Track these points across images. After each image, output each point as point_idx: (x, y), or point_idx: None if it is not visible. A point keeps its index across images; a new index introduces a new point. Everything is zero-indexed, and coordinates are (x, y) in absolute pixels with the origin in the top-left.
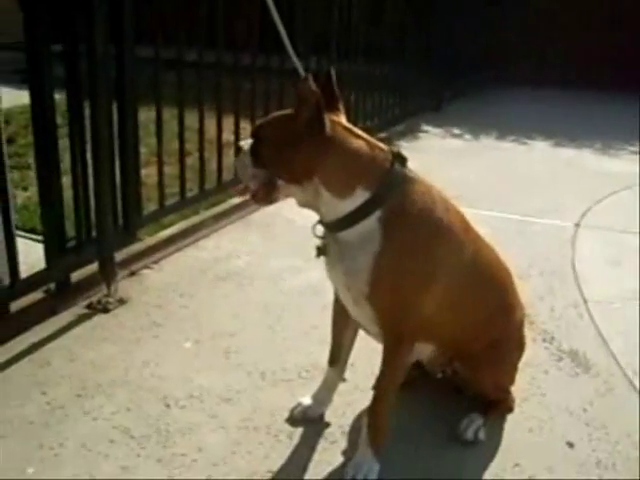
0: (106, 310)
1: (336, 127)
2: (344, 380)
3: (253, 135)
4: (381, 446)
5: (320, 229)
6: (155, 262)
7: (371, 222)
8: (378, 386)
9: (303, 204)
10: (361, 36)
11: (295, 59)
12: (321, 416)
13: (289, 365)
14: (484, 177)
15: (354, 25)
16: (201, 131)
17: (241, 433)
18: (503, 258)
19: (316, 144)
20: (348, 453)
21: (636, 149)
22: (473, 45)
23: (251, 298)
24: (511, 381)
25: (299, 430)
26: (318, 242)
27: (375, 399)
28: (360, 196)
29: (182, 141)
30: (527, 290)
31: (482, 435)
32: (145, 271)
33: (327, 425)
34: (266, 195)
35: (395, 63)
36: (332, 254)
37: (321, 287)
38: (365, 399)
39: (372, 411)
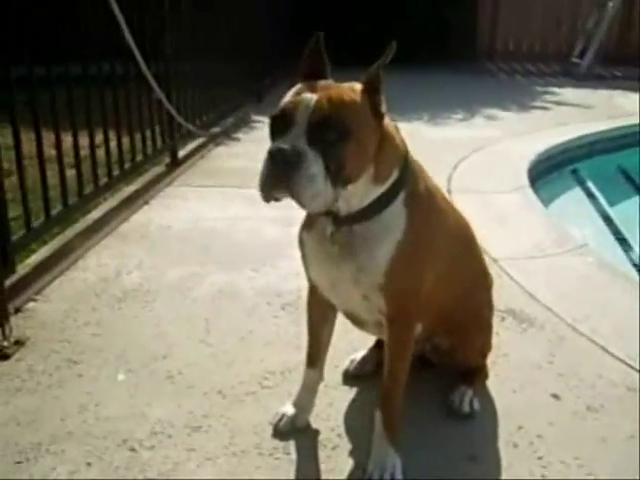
0: (5, 356)
1: None
2: (324, 380)
3: (325, 126)
4: (398, 438)
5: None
6: (37, 292)
7: (397, 205)
8: (389, 377)
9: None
10: (189, 34)
11: (142, 63)
12: (308, 423)
13: (244, 377)
14: None
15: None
16: (58, 142)
17: (232, 461)
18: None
19: (379, 127)
20: (355, 454)
21: (460, 117)
22: (285, 32)
23: (164, 314)
24: (491, 345)
25: (292, 443)
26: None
27: (388, 391)
28: (392, 178)
29: (42, 157)
30: None
31: (477, 405)
32: (31, 304)
33: (318, 432)
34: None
35: (214, 58)
36: (334, 252)
37: (234, 290)
38: (342, 396)
39: (386, 404)
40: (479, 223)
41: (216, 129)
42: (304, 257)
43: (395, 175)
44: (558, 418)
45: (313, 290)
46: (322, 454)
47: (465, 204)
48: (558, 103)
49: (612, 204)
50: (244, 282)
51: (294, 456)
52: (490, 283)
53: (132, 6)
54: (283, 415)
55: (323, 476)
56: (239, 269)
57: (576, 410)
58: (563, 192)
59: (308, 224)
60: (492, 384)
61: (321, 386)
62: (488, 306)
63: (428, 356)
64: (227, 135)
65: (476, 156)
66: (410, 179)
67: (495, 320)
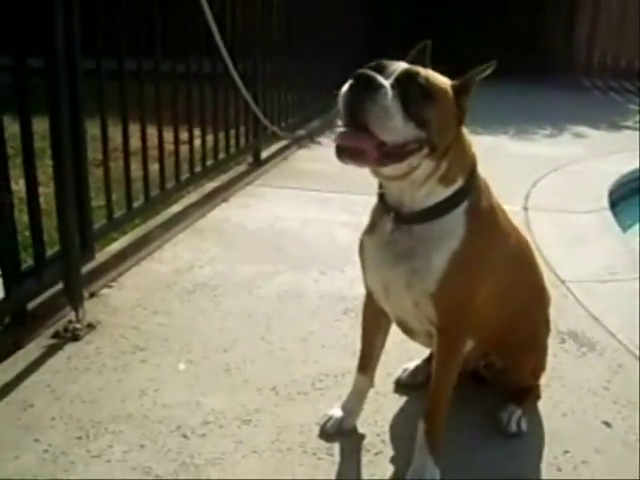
0: (76, 338)
1: None
2: (374, 386)
3: (412, 81)
4: (440, 450)
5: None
6: (113, 280)
7: (458, 213)
8: (435, 389)
9: (397, 186)
10: (278, 34)
11: (229, 62)
12: (354, 427)
13: (298, 376)
14: None
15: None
16: (143, 137)
17: (276, 456)
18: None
19: (459, 122)
20: (397, 461)
21: (547, 132)
22: (377, 36)
23: (230, 309)
24: (544, 366)
25: (336, 445)
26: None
27: (433, 402)
28: (458, 184)
29: (127, 150)
30: None
31: (524, 426)
32: (105, 290)
33: (363, 436)
34: (386, 157)
35: (303, 60)
36: (390, 254)
37: (300, 291)
38: (391, 404)
39: (430, 415)
40: (552, 242)
41: (301, 131)
42: (363, 261)
43: (461, 182)
44: (607, 446)
45: (369, 297)
46: (364, 458)
47: (540, 222)
48: None
49: None
50: (310, 284)
51: (337, 458)
52: (547, 303)
53: (223, 4)
54: (331, 417)
55: (364, 477)
56: (307, 271)
57: (627, 440)
58: None
59: (370, 229)
60: (543, 406)
61: (372, 392)
62: (544, 326)
63: (481, 373)
64: (311, 138)
65: (558, 174)
66: (475, 191)
67: (555, 342)
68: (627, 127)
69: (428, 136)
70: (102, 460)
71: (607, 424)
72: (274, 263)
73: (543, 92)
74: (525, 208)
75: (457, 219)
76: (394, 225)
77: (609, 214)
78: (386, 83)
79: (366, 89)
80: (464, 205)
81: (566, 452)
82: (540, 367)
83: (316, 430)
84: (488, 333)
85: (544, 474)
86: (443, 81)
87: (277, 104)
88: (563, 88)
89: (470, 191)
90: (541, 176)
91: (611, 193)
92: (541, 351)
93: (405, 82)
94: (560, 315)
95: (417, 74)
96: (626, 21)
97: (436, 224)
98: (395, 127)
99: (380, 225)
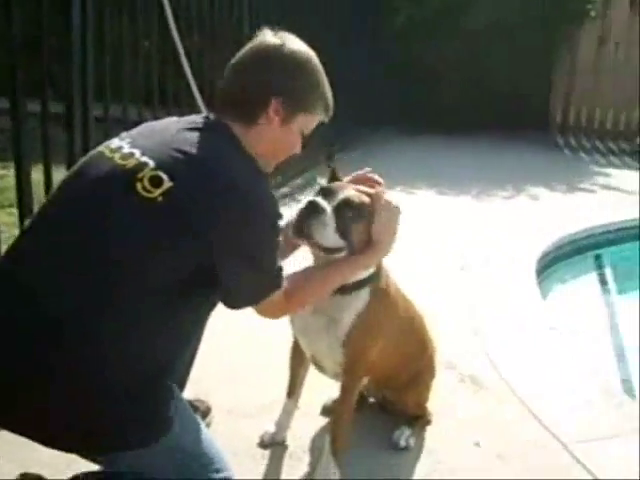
0: None
1: None
2: (298, 408)
3: (346, 205)
4: (342, 457)
5: None
6: None
7: (365, 290)
8: (339, 410)
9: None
10: None
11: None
12: (284, 439)
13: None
14: None
15: None
16: None
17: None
18: (418, 309)
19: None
20: (312, 465)
21: (506, 194)
22: (357, 100)
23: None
24: (427, 400)
25: (267, 452)
26: None
27: (336, 421)
28: (370, 271)
29: None
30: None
31: (412, 442)
32: None
33: (288, 447)
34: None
35: None
36: (321, 306)
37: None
38: (314, 422)
39: (335, 430)
40: (480, 302)
41: (283, 189)
42: (292, 320)
43: (372, 271)
44: (471, 460)
45: (296, 343)
46: (287, 463)
47: (473, 283)
48: (605, 187)
49: (622, 292)
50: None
51: (267, 461)
52: (431, 353)
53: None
54: (266, 432)
55: (284, 477)
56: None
57: (489, 456)
58: (580, 276)
59: None
60: (431, 429)
61: (303, 413)
62: (428, 371)
63: (382, 402)
64: (291, 197)
65: (495, 239)
66: (379, 279)
67: (454, 380)
68: (583, 189)
69: (349, 244)
70: None
71: (477, 444)
72: None
73: (517, 151)
74: (462, 268)
75: (365, 293)
76: None
77: (534, 280)
78: (328, 208)
79: (314, 212)
80: (370, 286)
81: (439, 462)
82: (423, 400)
83: (257, 440)
84: (380, 374)
85: (417, 476)
86: (365, 203)
87: None
88: (538, 147)
89: (376, 277)
90: (481, 240)
91: (542, 259)
92: (423, 389)
93: (342, 207)
94: (462, 359)
95: (351, 202)
96: (602, 81)
97: (351, 296)
98: (327, 237)
99: None
